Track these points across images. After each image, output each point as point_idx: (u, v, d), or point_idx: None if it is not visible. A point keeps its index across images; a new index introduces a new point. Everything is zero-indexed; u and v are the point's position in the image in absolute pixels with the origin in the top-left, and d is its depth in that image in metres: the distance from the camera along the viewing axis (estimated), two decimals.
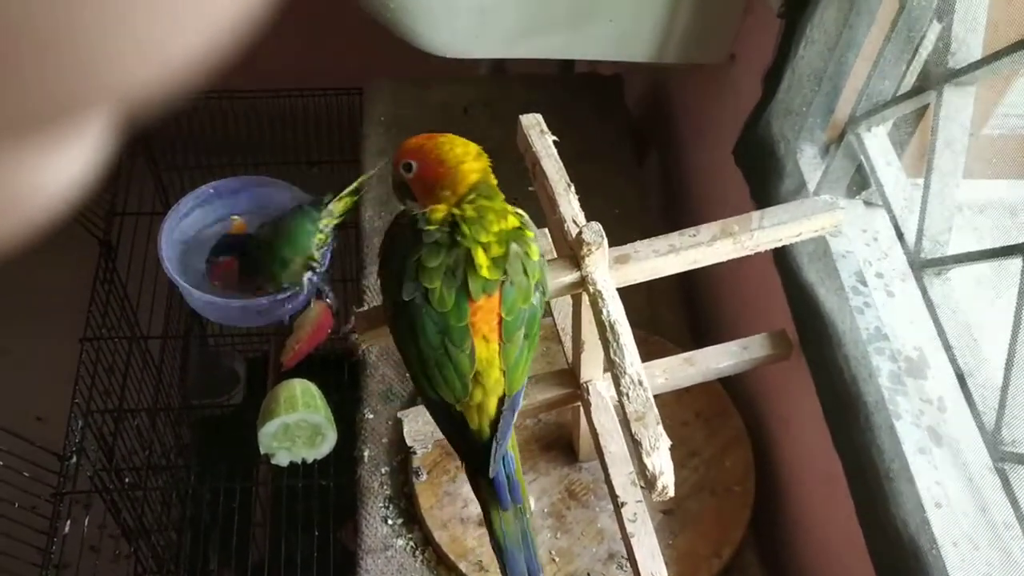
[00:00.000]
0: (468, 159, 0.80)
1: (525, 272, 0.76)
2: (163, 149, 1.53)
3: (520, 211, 0.81)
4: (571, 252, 0.80)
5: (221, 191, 1.38)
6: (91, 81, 0.17)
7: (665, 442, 0.69)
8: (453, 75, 1.55)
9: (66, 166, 0.20)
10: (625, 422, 0.71)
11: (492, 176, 0.81)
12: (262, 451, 1.18)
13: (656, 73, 1.60)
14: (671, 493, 0.71)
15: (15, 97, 0.16)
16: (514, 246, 0.76)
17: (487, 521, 0.79)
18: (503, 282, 0.75)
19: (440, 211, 0.77)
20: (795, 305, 1.03)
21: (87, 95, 0.17)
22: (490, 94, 1.54)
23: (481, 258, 0.75)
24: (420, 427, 0.94)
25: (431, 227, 0.76)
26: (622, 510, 0.90)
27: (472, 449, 0.77)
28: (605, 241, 0.77)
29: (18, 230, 0.20)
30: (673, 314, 1.28)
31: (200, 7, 0.17)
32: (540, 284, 0.77)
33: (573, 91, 1.55)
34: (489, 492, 0.78)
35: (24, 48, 0.15)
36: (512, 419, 0.76)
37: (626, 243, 0.86)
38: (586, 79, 1.60)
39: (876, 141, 0.97)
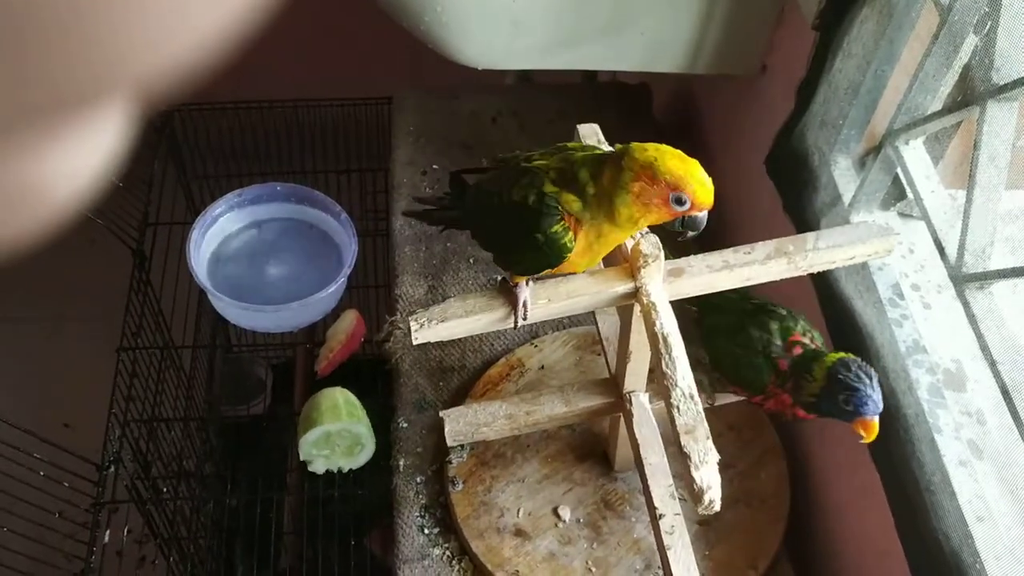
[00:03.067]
0: None
1: None
2: (193, 159, 1.54)
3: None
4: (625, 263, 0.81)
5: (248, 198, 1.38)
6: (110, 69, 0.17)
7: (714, 456, 0.70)
8: (480, 85, 1.55)
9: (86, 156, 0.20)
10: (674, 434, 0.71)
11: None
12: (301, 457, 1.18)
13: (684, 82, 1.61)
14: (717, 508, 0.71)
15: (35, 86, 0.16)
16: None
17: None
18: None
19: None
20: (831, 318, 1.03)
21: (106, 83, 0.17)
22: (517, 104, 1.54)
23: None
24: (461, 427, 0.95)
25: None
26: (660, 522, 0.90)
27: None
28: (662, 254, 0.78)
29: (40, 222, 0.20)
30: None
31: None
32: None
33: (600, 100, 1.56)
34: None
35: (43, 36, 0.15)
36: None
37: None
38: (613, 87, 1.61)
39: (915, 154, 0.97)
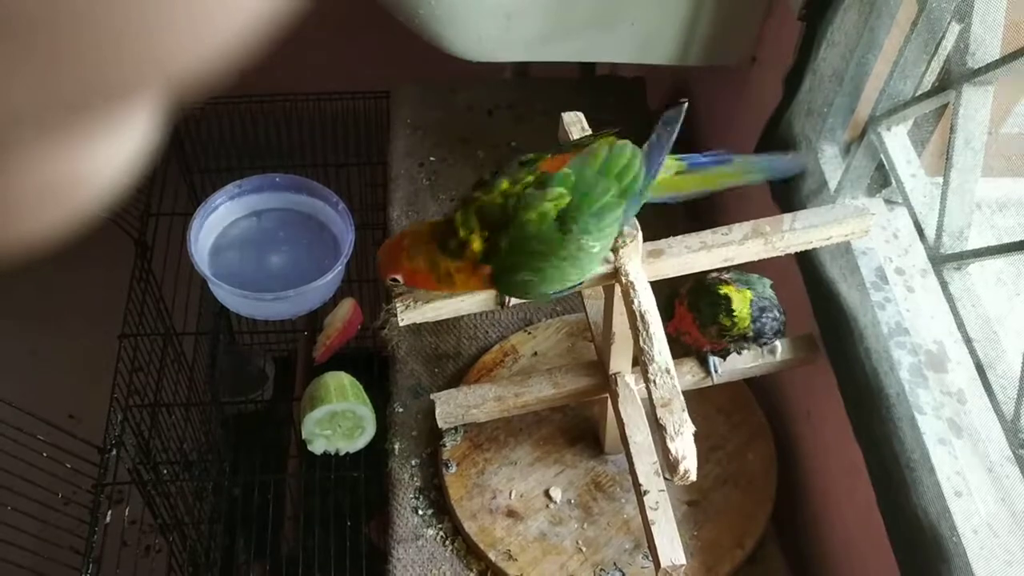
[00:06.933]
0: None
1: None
2: (195, 152, 1.57)
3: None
4: None
5: (248, 189, 1.39)
6: (139, 68, 0.17)
7: (689, 428, 0.72)
8: (478, 78, 1.58)
9: (114, 153, 0.20)
10: (651, 407, 0.73)
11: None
12: (303, 435, 1.21)
13: (678, 75, 1.63)
14: (692, 478, 0.73)
15: (65, 84, 0.16)
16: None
17: None
18: None
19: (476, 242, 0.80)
20: (817, 301, 1.05)
21: (135, 82, 0.17)
22: (514, 97, 1.57)
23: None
24: (451, 409, 0.97)
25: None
26: (644, 498, 0.93)
27: None
28: (640, 234, 0.80)
29: (67, 218, 0.21)
30: None
31: None
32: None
33: (596, 93, 1.58)
34: None
35: (74, 34, 0.16)
36: None
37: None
38: (609, 81, 1.63)
39: (896, 140, 0.99)
